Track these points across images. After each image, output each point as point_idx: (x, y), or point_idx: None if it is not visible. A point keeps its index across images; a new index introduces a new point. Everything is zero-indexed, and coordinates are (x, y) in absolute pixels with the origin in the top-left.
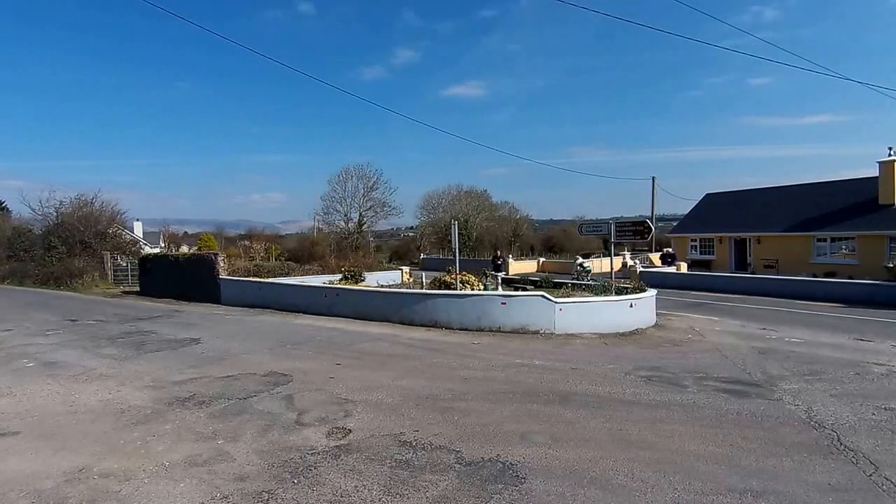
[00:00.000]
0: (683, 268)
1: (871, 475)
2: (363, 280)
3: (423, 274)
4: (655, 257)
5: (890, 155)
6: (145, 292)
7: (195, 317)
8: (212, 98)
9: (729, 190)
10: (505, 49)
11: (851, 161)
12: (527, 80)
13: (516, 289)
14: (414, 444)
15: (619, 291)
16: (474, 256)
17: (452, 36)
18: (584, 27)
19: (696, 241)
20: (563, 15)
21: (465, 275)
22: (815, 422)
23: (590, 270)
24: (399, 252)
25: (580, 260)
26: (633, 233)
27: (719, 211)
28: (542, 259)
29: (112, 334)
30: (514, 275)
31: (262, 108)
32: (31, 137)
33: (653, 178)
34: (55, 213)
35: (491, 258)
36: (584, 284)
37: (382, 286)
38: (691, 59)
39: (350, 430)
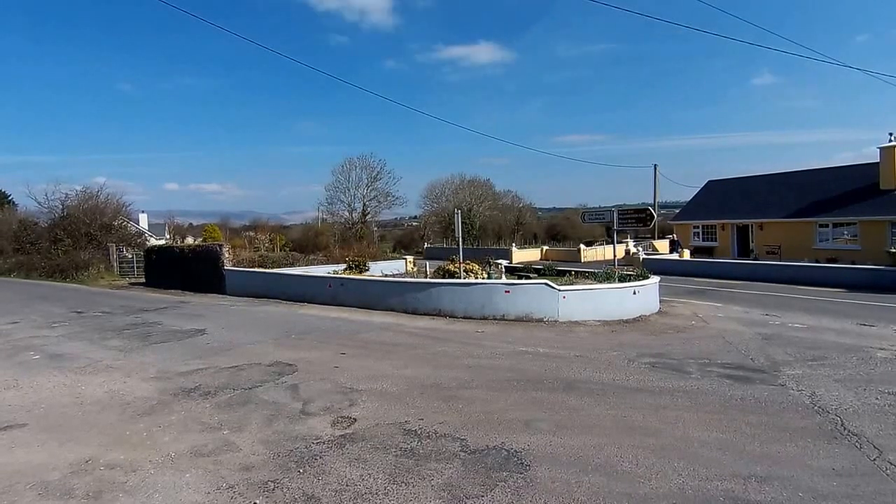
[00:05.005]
0: (686, 254)
1: (874, 460)
2: (367, 269)
3: (427, 263)
4: (658, 244)
5: (890, 140)
6: (151, 284)
7: (201, 308)
8: (217, 91)
9: (731, 177)
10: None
11: (848, 146)
12: (547, 74)
13: (520, 277)
14: (419, 432)
15: (623, 279)
16: (478, 245)
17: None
18: (586, 19)
19: (698, 227)
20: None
21: (468, 264)
22: (819, 407)
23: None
24: (403, 241)
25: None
26: (636, 220)
27: (721, 198)
28: (545, 247)
29: (118, 326)
30: (518, 263)
31: (279, 101)
32: (34, 132)
33: (654, 165)
34: (61, 206)
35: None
36: (588, 272)
37: (387, 275)
38: (696, 47)
39: (355, 420)
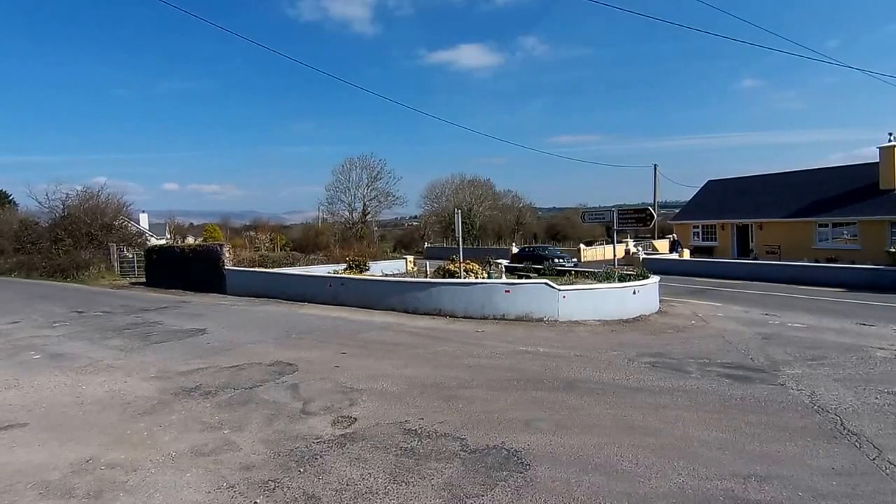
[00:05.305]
0: (686, 254)
1: (874, 459)
2: (368, 269)
3: (427, 263)
4: (658, 244)
5: (890, 140)
6: (151, 283)
7: (201, 307)
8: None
9: (730, 177)
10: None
11: (847, 146)
12: (547, 74)
13: (520, 277)
14: (419, 431)
15: (623, 278)
16: (478, 245)
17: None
18: (584, 20)
19: (698, 227)
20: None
21: (468, 263)
22: (819, 406)
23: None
24: (403, 241)
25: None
26: (636, 220)
27: (721, 198)
28: None
29: (118, 325)
30: (518, 263)
31: (276, 101)
32: (34, 132)
33: (654, 165)
34: (61, 206)
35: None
36: (588, 272)
37: (387, 275)
38: (694, 47)
39: (355, 419)
